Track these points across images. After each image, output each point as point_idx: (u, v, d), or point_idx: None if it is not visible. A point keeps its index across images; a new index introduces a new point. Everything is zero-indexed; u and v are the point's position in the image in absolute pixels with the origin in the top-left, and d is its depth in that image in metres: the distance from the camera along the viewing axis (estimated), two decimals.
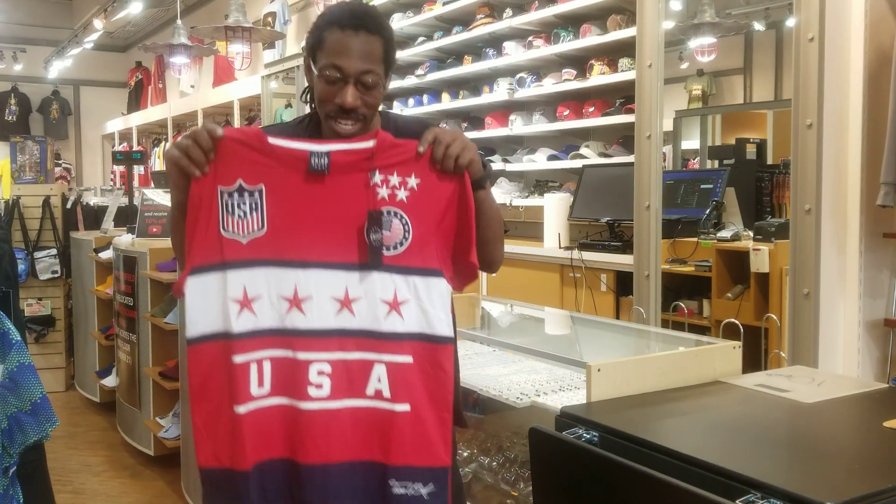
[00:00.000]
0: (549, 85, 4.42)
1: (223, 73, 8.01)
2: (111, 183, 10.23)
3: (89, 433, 5.08)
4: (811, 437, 1.59)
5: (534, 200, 4.55)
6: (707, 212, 3.53)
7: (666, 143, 3.77)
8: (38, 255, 5.92)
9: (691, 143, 4.55)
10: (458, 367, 1.75)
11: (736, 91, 4.67)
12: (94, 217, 6.34)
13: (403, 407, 1.49)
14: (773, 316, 2.99)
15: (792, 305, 2.74)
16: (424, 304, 1.52)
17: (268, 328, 1.50)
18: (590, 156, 4.23)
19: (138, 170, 8.42)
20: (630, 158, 3.58)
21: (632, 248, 3.36)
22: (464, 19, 4.96)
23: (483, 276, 3.95)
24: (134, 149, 9.12)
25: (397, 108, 5.50)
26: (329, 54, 1.58)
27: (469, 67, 4.95)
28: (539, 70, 4.60)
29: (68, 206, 6.28)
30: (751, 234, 3.41)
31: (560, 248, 3.93)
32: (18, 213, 5.92)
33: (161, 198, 4.92)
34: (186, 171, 1.49)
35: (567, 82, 4.31)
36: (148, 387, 4.39)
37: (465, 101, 5.07)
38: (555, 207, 4.08)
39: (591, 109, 4.26)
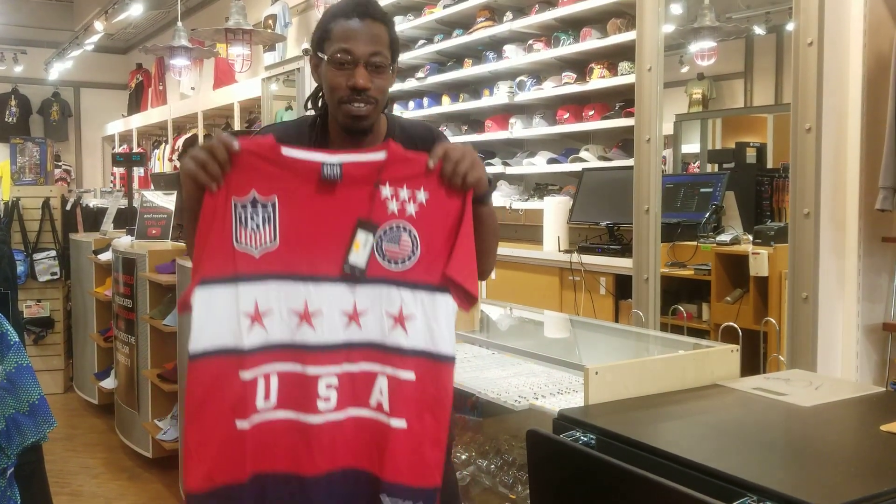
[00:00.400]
0: (549, 88, 4.43)
1: (223, 76, 8.01)
2: (111, 185, 10.22)
3: (88, 435, 5.08)
4: (808, 440, 1.59)
5: (533, 204, 4.55)
6: (707, 215, 3.53)
7: (666, 147, 3.77)
8: (37, 256, 5.91)
9: (691, 146, 4.55)
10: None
11: (736, 95, 4.67)
12: (94, 219, 6.34)
13: (400, 423, 1.48)
14: (772, 320, 2.99)
15: (791, 309, 2.74)
16: (430, 320, 1.51)
17: (278, 343, 1.49)
18: (589, 159, 4.24)
19: (138, 172, 8.40)
20: (630, 162, 3.58)
21: (631, 251, 3.36)
22: (464, 22, 4.97)
23: None
24: (134, 151, 9.11)
25: (397, 111, 5.50)
26: (338, 40, 1.63)
27: (469, 70, 4.95)
28: (539, 73, 4.61)
29: (68, 207, 6.28)
30: (750, 237, 3.41)
31: (559, 251, 3.92)
32: (18, 214, 5.92)
33: (160, 200, 4.92)
34: (203, 185, 1.48)
35: (567, 86, 4.31)
36: (146, 389, 4.38)
37: (466, 105, 5.08)
38: (554, 211, 4.08)
39: (591, 113, 4.26)
